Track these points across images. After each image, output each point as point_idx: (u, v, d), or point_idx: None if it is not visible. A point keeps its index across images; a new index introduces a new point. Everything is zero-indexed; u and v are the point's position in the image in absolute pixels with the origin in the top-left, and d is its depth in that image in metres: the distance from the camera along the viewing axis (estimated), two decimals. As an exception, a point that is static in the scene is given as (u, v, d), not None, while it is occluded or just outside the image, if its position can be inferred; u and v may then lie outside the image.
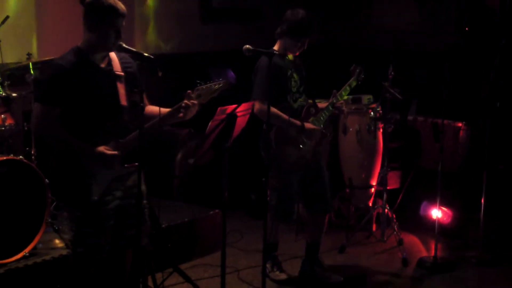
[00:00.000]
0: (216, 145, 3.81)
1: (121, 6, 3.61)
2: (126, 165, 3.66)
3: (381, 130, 5.91)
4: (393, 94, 5.37)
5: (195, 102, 3.61)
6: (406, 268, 5.31)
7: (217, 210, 5.55)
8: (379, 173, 5.87)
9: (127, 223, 3.76)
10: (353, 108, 6.05)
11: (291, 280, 5.02)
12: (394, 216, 5.66)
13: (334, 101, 4.82)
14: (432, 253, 5.34)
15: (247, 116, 3.91)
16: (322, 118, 4.81)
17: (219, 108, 3.71)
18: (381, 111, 5.65)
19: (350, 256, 5.54)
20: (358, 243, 5.78)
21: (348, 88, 4.89)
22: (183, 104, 3.60)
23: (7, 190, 4.40)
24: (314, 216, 4.99)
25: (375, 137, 5.97)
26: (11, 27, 5.30)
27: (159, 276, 4.41)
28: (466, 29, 6.97)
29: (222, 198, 3.92)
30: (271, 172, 4.61)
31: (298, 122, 4.67)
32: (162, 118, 3.60)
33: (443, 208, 5.74)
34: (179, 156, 6.22)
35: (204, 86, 3.62)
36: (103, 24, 3.56)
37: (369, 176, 6.07)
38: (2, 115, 4.72)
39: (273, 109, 4.46)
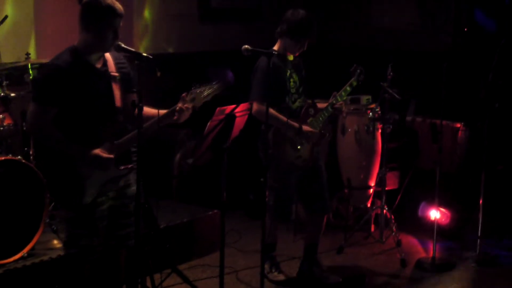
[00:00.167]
0: (214, 145, 3.81)
1: (119, 6, 3.59)
2: (121, 167, 3.66)
3: (379, 131, 5.90)
4: (391, 94, 5.36)
5: (189, 106, 3.61)
6: (404, 269, 5.31)
7: (215, 211, 5.55)
8: (378, 174, 5.86)
9: (118, 223, 3.76)
10: (352, 108, 6.04)
11: (289, 281, 5.02)
12: (393, 216, 5.66)
13: (334, 101, 4.80)
14: (431, 253, 5.34)
15: (246, 117, 3.92)
16: (321, 118, 4.80)
17: (218, 109, 3.72)
18: (379, 112, 5.64)
19: (349, 257, 5.54)
20: (356, 244, 5.78)
21: (348, 88, 4.86)
22: (177, 108, 3.60)
23: (6, 190, 4.40)
24: (312, 216, 4.99)
25: (374, 137, 5.96)
26: (10, 27, 5.30)
27: (157, 277, 4.40)
28: (465, 29, 6.96)
29: (221, 198, 3.92)
30: (270, 173, 4.60)
31: (295, 124, 4.65)
32: (158, 119, 3.60)
33: (442, 209, 5.74)
34: (177, 156, 6.22)
35: (198, 90, 3.62)
36: (100, 25, 3.54)
37: (367, 176, 6.06)
38: (1, 115, 4.72)
39: (271, 110, 4.44)
